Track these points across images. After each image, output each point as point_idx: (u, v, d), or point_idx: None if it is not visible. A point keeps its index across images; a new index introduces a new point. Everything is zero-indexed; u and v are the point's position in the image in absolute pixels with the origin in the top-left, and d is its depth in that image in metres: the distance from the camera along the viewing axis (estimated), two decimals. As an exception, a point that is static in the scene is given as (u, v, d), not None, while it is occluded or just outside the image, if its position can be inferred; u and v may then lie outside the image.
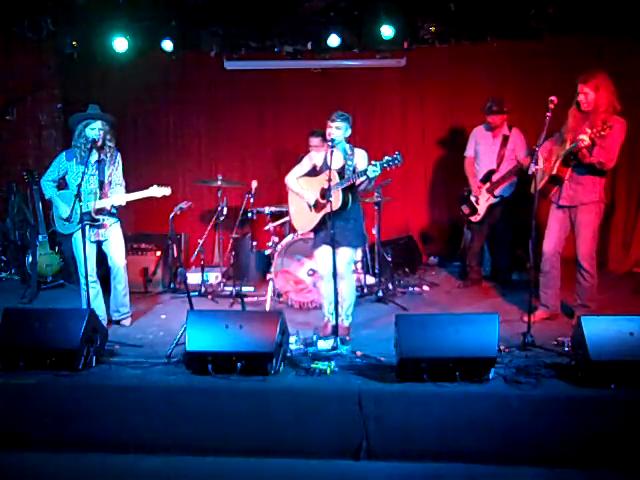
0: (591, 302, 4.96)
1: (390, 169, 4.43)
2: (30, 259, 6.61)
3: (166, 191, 5.03)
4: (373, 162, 4.45)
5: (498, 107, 6.10)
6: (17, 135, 7.54)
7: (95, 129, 5.00)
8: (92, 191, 5.00)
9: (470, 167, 6.40)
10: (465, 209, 6.30)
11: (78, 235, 4.91)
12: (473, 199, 6.22)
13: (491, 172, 6.17)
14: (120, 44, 6.90)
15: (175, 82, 7.76)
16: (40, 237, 6.66)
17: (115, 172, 5.14)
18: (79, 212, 4.84)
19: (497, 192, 6.14)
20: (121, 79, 7.39)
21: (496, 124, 6.16)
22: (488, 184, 6.16)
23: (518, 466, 3.52)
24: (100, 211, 5.04)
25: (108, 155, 5.09)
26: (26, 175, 6.75)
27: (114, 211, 5.19)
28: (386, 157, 4.39)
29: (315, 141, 6.29)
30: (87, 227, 4.92)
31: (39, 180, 6.72)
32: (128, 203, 5.21)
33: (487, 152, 6.23)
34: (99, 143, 5.01)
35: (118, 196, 5.07)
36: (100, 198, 5.02)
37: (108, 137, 5.07)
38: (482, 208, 6.17)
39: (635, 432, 3.49)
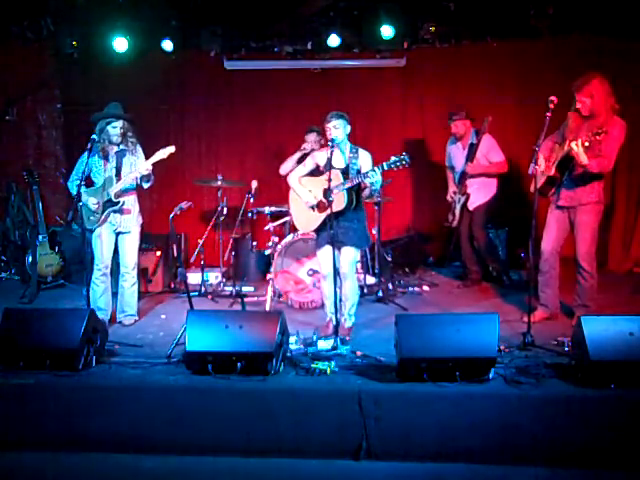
0: (591, 302, 4.96)
1: (398, 170, 4.43)
2: (30, 259, 6.60)
3: (171, 149, 5.11)
4: (377, 166, 4.46)
5: (458, 115, 6.17)
6: (17, 135, 7.55)
7: (117, 127, 5.17)
8: (109, 178, 5.15)
9: (448, 174, 6.56)
10: (449, 216, 6.46)
11: (98, 230, 5.15)
12: (453, 204, 6.38)
13: (462, 173, 6.24)
14: (120, 44, 6.91)
15: (175, 82, 7.77)
16: (40, 237, 6.66)
17: (136, 162, 5.23)
18: (102, 202, 5.10)
19: (467, 190, 6.22)
20: (121, 79, 7.39)
21: (460, 133, 6.24)
22: (459, 185, 6.28)
23: (518, 466, 3.52)
24: (120, 195, 5.15)
25: (129, 146, 5.25)
26: (26, 175, 6.75)
27: (133, 186, 5.24)
28: (393, 157, 4.39)
29: (311, 137, 6.30)
30: (111, 214, 5.15)
31: (39, 180, 6.80)
32: None
33: (458, 161, 6.36)
34: (119, 141, 5.20)
35: (129, 175, 5.14)
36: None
37: (129, 134, 5.25)
38: (457, 210, 6.33)
39: (635, 432, 3.49)
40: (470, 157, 6.13)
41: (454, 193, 6.38)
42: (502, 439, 3.57)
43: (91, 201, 5.16)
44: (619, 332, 3.72)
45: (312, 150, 6.01)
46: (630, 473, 3.45)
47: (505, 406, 3.62)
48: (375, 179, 4.47)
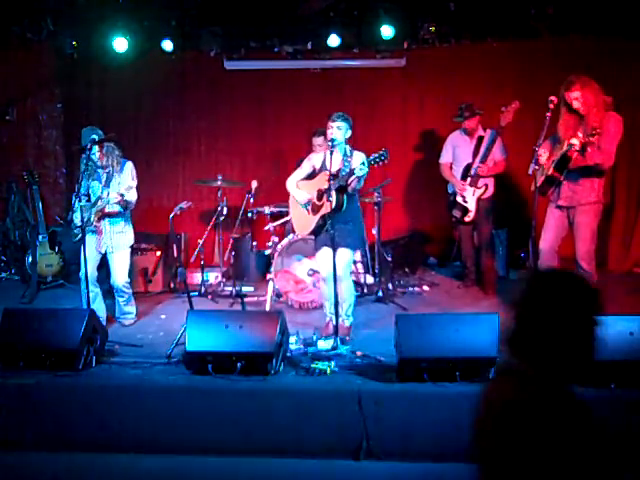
0: (591, 302, 4.94)
1: (378, 166, 4.42)
2: (30, 259, 6.60)
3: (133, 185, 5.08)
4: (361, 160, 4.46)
5: (470, 112, 6.12)
6: (17, 135, 7.54)
7: (95, 153, 5.09)
8: (96, 200, 5.08)
9: (448, 170, 6.36)
10: (457, 213, 6.17)
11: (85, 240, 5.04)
12: (460, 199, 6.10)
13: (468, 166, 6.12)
14: (120, 44, 6.91)
15: (175, 82, 7.76)
16: (40, 237, 6.66)
17: (124, 180, 5.13)
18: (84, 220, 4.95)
19: (480, 183, 6.08)
20: (121, 79, 7.40)
21: (472, 128, 6.17)
22: (469, 178, 6.09)
23: (518, 466, 3.52)
24: (102, 217, 5.11)
25: (115, 166, 5.15)
26: (26, 175, 6.74)
27: (121, 210, 5.16)
28: (373, 155, 4.39)
29: (318, 140, 6.27)
30: (89, 233, 5.05)
31: (39, 180, 6.80)
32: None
33: (465, 153, 6.21)
34: (103, 164, 5.13)
35: (112, 194, 5.06)
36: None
37: (110, 155, 5.13)
38: (472, 204, 6.07)
39: (635, 432, 3.49)
40: (482, 158, 6.02)
41: (462, 185, 6.10)
42: (502, 439, 3.57)
43: (76, 216, 5.09)
44: (619, 332, 3.72)
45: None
46: (630, 473, 3.45)
47: (505, 406, 3.61)
48: (362, 173, 4.44)
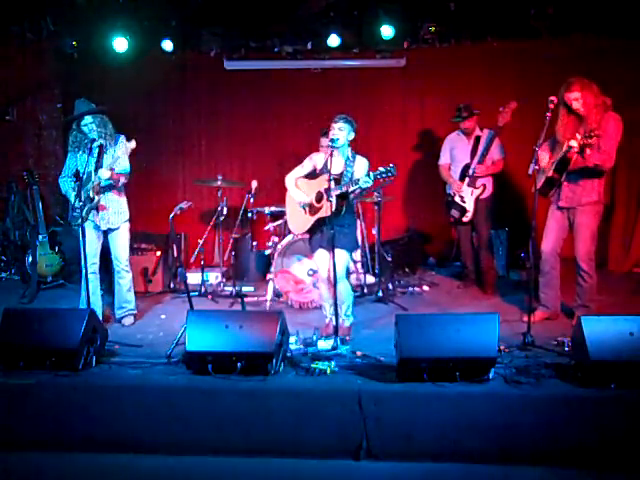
0: (591, 302, 4.96)
1: (383, 180, 4.43)
2: (30, 259, 6.61)
3: (132, 144, 5.04)
4: (367, 173, 4.45)
5: (468, 112, 6.15)
6: (17, 135, 7.55)
7: (86, 125, 5.03)
8: (89, 174, 5.01)
9: (447, 172, 6.39)
10: (455, 213, 6.21)
11: (85, 225, 4.94)
12: (458, 199, 6.15)
13: (466, 166, 6.15)
14: (120, 44, 6.92)
15: (175, 82, 7.77)
16: (40, 237, 6.66)
17: (119, 156, 5.05)
18: (83, 199, 4.92)
19: (478, 183, 6.09)
20: (121, 79, 7.40)
21: (471, 128, 6.19)
22: (467, 179, 6.12)
23: (518, 466, 3.52)
24: (99, 191, 5.05)
25: (108, 139, 5.09)
26: (26, 175, 6.75)
27: (114, 185, 5.12)
28: (380, 168, 4.38)
29: (326, 141, 6.28)
30: (91, 213, 5.04)
31: (39, 180, 6.80)
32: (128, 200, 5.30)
33: (462, 154, 6.23)
34: (96, 136, 5.04)
35: (102, 170, 5.01)
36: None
37: (99, 129, 5.05)
38: (470, 204, 6.10)
39: (635, 432, 3.49)
40: (480, 158, 6.04)
41: (459, 185, 6.15)
42: (502, 439, 3.57)
43: (74, 198, 5.01)
44: (619, 332, 3.72)
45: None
46: (630, 473, 3.45)
47: (505, 406, 3.62)
48: (367, 185, 4.44)
